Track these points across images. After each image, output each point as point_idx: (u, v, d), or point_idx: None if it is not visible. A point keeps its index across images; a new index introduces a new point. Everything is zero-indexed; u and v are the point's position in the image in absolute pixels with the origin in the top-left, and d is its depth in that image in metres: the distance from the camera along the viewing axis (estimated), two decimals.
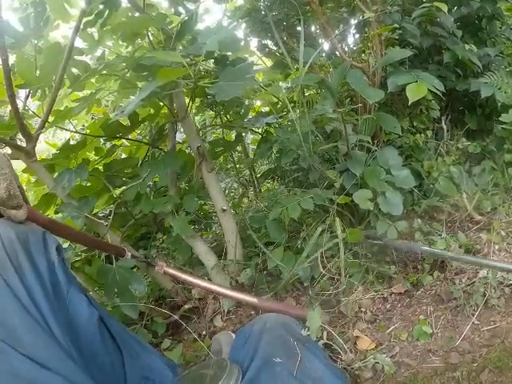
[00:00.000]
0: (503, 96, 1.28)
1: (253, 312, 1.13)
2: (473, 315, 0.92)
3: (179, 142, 1.51)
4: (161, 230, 1.35)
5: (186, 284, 1.23)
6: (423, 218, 1.21)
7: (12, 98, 0.89)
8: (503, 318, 0.89)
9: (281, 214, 1.05)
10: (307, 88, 1.59)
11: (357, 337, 0.94)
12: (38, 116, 1.15)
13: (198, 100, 1.59)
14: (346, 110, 1.17)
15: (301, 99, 1.18)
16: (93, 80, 1.27)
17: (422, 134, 1.32)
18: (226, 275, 1.20)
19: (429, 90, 1.02)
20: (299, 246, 1.13)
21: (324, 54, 1.51)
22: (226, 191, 1.89)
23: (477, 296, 0.93)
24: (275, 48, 1.54)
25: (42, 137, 1.08)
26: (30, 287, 0.57)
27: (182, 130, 1.39)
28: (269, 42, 1.54)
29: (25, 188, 1.16)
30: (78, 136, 1.44)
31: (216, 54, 1.15)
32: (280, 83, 1.68)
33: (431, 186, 1.23)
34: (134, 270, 1.24)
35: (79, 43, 1.21)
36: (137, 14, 1.13)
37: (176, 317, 1.09)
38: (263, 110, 1.76)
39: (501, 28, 1.55)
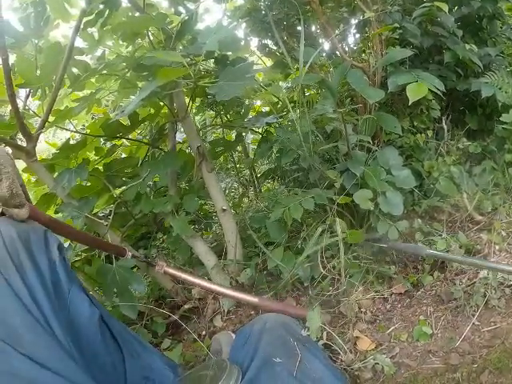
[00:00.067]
0: (504, 96, 1.28)
1: (253, 312, 1.13)
2: (473, 316, 0.92)
3: (179, 142, 1.51)
4: (161, 230, 1.35)
5: (185, 284, 1.23)
6: (424, 218, 1.21)
7: (12, 97, 0.89)
8: (503, 318, 0.89)
9: (283, 214, 1.05)
10: (307, 88, 1.59)
11: (357, 337, 0.94)
12: (38, 116, 1.15)
13: (198, 100, 1.59)
14: (346, 110, 1.17)
15: (301, 99, 1.18)
16: (93, 80, 1.27)
17: (423, 134, 1.32)
18: (226, 275, 1.20)
19: (429, 89, 1.02)
20: (299, 246, 1.13)
21: (324, 54, 1.51)
22: (226, 191, 1.89)
23: (477, 297, 0.93)
24: (275, 48, 1.54)
25: (42, 136, 1.08)
26: (31, 286, 0.57)
27: (182, 129, 1.39)
28: (269, 42, 1.54)
29: None
30: (78, 136, 1.44)
31: (216, 54, 1.14)
32: (280, 83, 1.68)
33: (432, 186, 1.23)
34: (134, 269, 1.24)
35: (79, 43, 1.21)
36: (137, 14, 1.13)
37: (176, 317, 1.09)
38: (263, 110, 1.76)
39: (501, 28, 1.54)
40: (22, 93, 1.10)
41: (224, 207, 1.22)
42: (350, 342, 0.92)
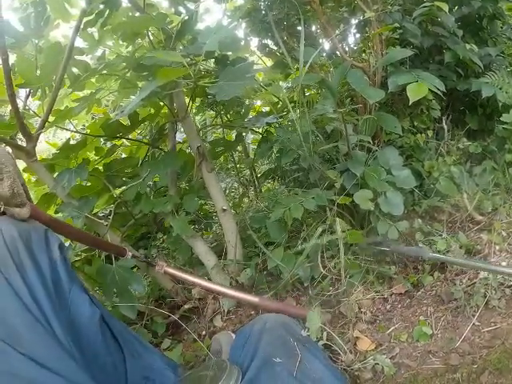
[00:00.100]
0: (504, 96, 1.28)
1: (253, 312, 1.13)
2: (473, 316, 0.92)
3: (179, 142, 1.51)
4: (161, 230, 1.35)
5: (185, 284, 1.23)
6: (424, 219, 1.21)
7: (12, 97, 0.89)
8: (504, 319, 0.89)
9: (283, 214, 1.05)
10: (307, 88, 1.59)
11: (357, 337, 0.94)
12: (38, 116, 1.15)
13: (198, 100, 1.59)
14: (346, 110, 1.17)
15: (301, 99, 1.18)
16: (93, 80, 1.27)
17: (423, 134, 1.32)
18: (226, 275, 1.20)
19: (429, 89, 1.02)
20: (299, 246, 1.13)
21: (324, 54, 1.50)
22: (227, 191, 1.89)
23: (477, 297, 0.93)
24: (275, 48, 1.54)
25: (42, 136, 1.08)
26: (31, 285, 0.56)
27: (182, 129, 1.39)
28: (269, 42, 1.54)
29: None
30: (78, 136, 1.44)
31: (216, 54, 1.14)
32: (280, 83, 1.68)
33: (432, 186, 1.23)
34: (134, 269, 1.24)
35: (79, 43, 1.21)
36: (137, 14, 1.13)
37: (175, 317, 1.09)
38: (263, 110, 1.76)
39: (502, 28, 1.54)
40: (22, 93, 1.10)
41: (224, 207, 1.22)
42: (350, 342, 0.92)
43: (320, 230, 1.05)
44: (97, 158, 1.38)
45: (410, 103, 1.00)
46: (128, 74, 1.16)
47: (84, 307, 0.64)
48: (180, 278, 1.11)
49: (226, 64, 1.13)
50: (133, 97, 1.32)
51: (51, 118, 1.05)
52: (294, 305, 1.11)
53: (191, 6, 1.22)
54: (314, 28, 1.50)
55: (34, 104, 1.27)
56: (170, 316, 1.15)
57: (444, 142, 1.35)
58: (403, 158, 1.17)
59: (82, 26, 1.03)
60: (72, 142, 1.27)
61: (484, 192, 1.22)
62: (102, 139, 1.38)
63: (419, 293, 1.05)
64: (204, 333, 1.12)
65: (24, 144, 0.99)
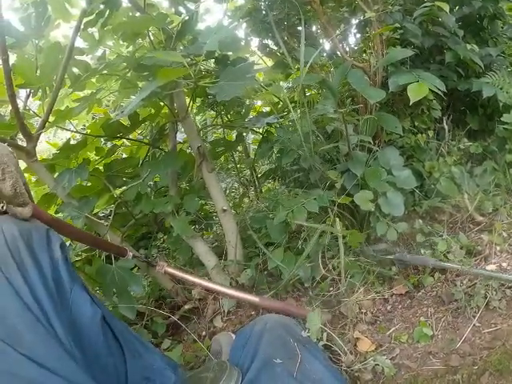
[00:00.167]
0: (505, 96, 1.28)
1: (253, 312, 1.13)
2: (474, 317, 0.92)
3: (180, 142, 1.50)
4: (161, 230, 1.35)
5: (186, 284, 1.23)
6: (424, 219, 1.21)
7: (12, 97, 0.89)
8: (504, 320, 0.89)
9: (286, 216, 1.05)
10: (308, 88, 1.59)
11: (357, 338, 0.94)
12: (38, 116, 1.15)
13: (198, 100, 1.59)
14: (347, 110, 1.17)
15: (302, 99, 1.18)
16: (93, 80, 1.27)
17: (424, 134, 1.31)
18: (227, 276, 1.20)
19: (430, 89, 1.02)
20: (300, 246, 1.12)
21: (325, 54, 1.50)
22: (227, 191, 1.89)
23: (478, 298, 0.93)
24: (276, 48, 1.53)
25: (42, 137, 1.08)
26: (32, 284, 0.56)
27: (182, 129, 1.39)
28: (270, 42, 1.54)
29: None
30: (78, 136, 1.44)
31: (216, 54, 1.14)
32: (281, 83, 1.68)
33: (432, 186, 1.23)
34: (135, 269, 1.24)
35: (80, 43, 1.21)
36: (137, 14, 1.13)
37: (175, 318, 1.09)
38: (264, 110, 1.75)
39: (502, 28, 1.54)
40: (22, 93, 1.10)
41: (224, 207, 1.21)
42: (350, 343, 0.92)
43: (320, 230, 1.05)
44: (97, 158, 1.38)
45: (411, 103, 1.00)
46: (128, 74, 1.16)
47: (85, 307, 0.64)
48: (180, 278, 1.11)
49: (226, 64, 1.13)
50: (133, 97, 1.32)
51: (51, 118, 1.05)
52: (295, 305, 1.11)
53: (191, 6, 1.22)
54: (314, 28, 1.50)
55: (34, 104, 1.27)
56: (170, 316, 1.15)
57: (445, 142, 1.34)
58: (404, 158, 1.17)
59: (82, 26, 1.03)
60: (72, 142, 1.26)
61: (485, 192, 1.22)
62: (102, 139, 1.37)
63: (420, 293, 1.05)
64: (204, 333, 1.12)
65: (24, 144, 0.99)
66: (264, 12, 1.36)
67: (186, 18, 1.11)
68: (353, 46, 1.55)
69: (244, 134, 1.71)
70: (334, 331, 0.93)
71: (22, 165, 1.06)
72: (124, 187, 1.28)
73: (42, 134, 1.04)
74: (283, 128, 1.38)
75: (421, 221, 1.14)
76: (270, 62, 1.69)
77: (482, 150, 1.33)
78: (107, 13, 1.07)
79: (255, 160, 1.81)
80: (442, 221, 1.18)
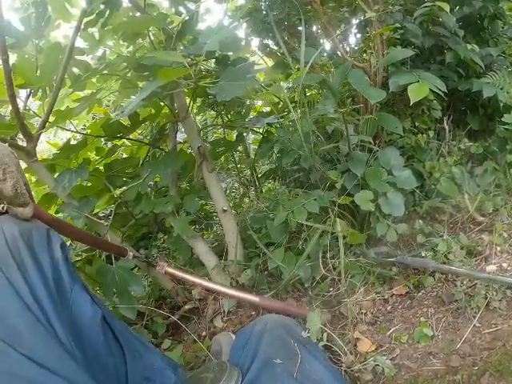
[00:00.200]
0: (505, 96, 1.27)
1: (253, 312, 1.13)
2: (474, 318, 0.92)
3: (180, 142, 1.50)
4: (161, 230, 1.35)
5: (186, 284, 1.23)
6: (425, 219, 1.21)
7: (13, 97, 0.89)
8: (505, 320, 0.89)
9: (287, 216, 1.05)
10: (308, 88, 1.59)
11: (357, 339, 0.94)
12: (38, 116, 1.15)
13: (199, 100, 1.59)
14: (347, 110, 1.17)
15: (302, 99, 1.18)
16: (94, 80, 1.27)
17: (424, 135, 1.31)
18: (227, 276, 1.20)
19: (431, 90, 1.02)
20: (300, 246, 1.12)
21: (325, 54, 1.50)
22: (227, 191, 1.89)
23: (478, 298, 0.93)
24: (276, 48, 1.53)
25: (42, 137, 1.08)
26: (32, 285, 0.56)
27: (182, 129, 1.39)
28: (270, 42, 1.54)
29: None
30: (78, 136, 1.44)
31: (217, 54, 1.14)
32: (281, 83, 1.67)
33: (433, 186, 1.23)
34: (135, 270, 1.24)
35: (80, 43, 1.21)
36: (138, 14, 1.13)
37: (175, 318, 1.09)
38: (264, 110, 1.75)
39: (503, 28, 1.54)
40: (22, 93, 1.10)
41: (225, 207, 1.21)
42: (351, 343, 0.92)
43: (321, 230, 1.05)
44: (97, 158, 1.38)
45: (411, 103, 0.99)
46: (129, 74, 1.16)
47: (86, 307, 0.64)
48: (181, 278, 1.11)
49: (226, 64, 1.13)
50: (133, 97, 1.32)
51: (52, 118, 1.05)
52: (295, 305, 1.11)
53: (192, 6, 1.22)
54: (314, 28, 1.50)
55: (34, 104, 1.27)
56: (170, 316, 1.15)
57: (445, 142, 1.34)
58: (404, 158, 1.16)
59: (82, 26, 1.03)
60: (73, 142, 1.27)
61: (485, 193, 1.22)
62: (102, 139, 1.37)
63: (420, 294, 1.05)
64: (204, 333, 1.12)
65: (24, 144, 0.99)
66: (264, 12, 1.36)
67: (187, 18, 1.11)
68: (353, 46, 1.55)
69: (244, 134, 1.71)
70: (334, 331, 0.93)
71: (23, 165, 1.07)
72: (124, 187, 1.28)
73: (43, 134, 1.04)
74: (283, 128, 1.38)
75: (421, 221, 1.14)
76: (270, 62, 1.69)
77: (483, 150, 1.33)
78: (107, 13, 1.07)
79: (255, 160, 1.81)
80: (443, 221, 1.18)
